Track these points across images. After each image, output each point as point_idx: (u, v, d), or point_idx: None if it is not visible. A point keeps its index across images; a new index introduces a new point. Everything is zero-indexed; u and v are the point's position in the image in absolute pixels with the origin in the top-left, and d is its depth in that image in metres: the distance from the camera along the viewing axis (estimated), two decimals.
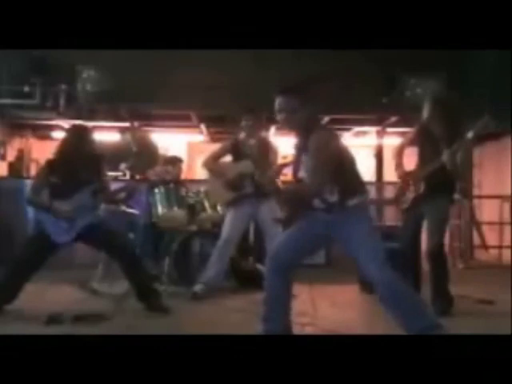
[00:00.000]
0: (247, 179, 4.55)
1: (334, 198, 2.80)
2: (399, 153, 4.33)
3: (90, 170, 3.96)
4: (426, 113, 4.15)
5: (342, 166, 2.79)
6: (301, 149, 2.91)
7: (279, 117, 2.88)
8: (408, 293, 2.81)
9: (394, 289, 2.75)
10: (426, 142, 4.15)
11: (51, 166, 3.93)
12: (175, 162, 5.67)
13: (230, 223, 4.59)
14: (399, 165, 4.31)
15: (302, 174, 2.90)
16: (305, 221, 2.92)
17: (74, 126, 4.28)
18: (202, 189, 5.34)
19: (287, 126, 2.91)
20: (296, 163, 2.97)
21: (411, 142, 4.33)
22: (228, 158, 4.80)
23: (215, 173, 4.70)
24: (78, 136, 3.98)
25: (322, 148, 2.72)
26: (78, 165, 3.90)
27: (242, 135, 4.67)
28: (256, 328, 3.21)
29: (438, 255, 4.05)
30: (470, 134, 3.86)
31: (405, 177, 4.25)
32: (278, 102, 2.84)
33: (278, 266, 2.95)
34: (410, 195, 4.19)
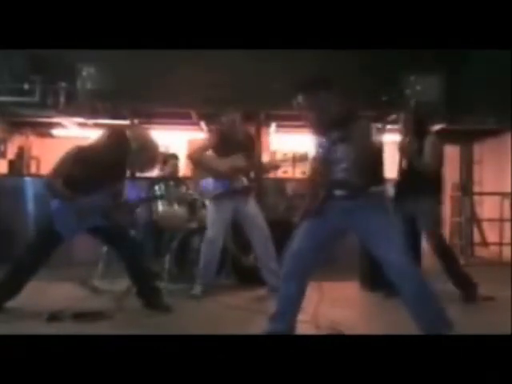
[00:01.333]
0: (239, 173, 4.53)
1: (360, 183, 2.78)
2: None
3: (115, 173, 3.93)
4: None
5: (374, 154, 2.82)
6: (336, 140, 2.83)
7: (309, 115, 2.84)
8: (426, 287, 2.80)
9: (414, 281, 2.75)
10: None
11: (78, 158, 3.85)
12: (170, 159, 5.65)
13: (214, 221, 4.54)
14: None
15: (342, 164, 2.81)
16: (323, 214, 2.87)
17: (117, 131, 4.15)
18: None
19: (320, 122, 2.86)
20: (327, 155, 2.89)
21: None
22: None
23: (203, 165, 4.61)
24: (118, 141, 3.93)
25: (366, 137, 2.75)
26: (106, 167, 3.84)
27: (225, 130, 4.62)
28: (256, 325, 3.22)
29: (442, 250, 4.38)
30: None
31: None
32: (304, 100, 2.80)
33: (298, 267, 2.92)
34: None
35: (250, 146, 4.66)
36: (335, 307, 4.21)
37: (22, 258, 3.93)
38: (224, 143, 4.56)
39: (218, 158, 4.60)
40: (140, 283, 4.00)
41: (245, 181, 4.53)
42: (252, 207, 4.62)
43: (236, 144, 4.55)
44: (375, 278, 5.12)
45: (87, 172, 3.82)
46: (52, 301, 4.15)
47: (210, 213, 4.61)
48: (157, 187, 5.36)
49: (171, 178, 5.53)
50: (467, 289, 4.36)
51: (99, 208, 3.86)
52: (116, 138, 3.98)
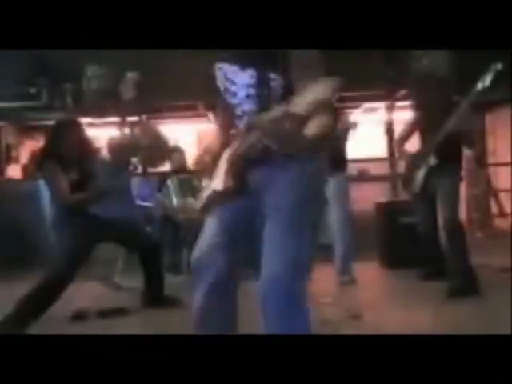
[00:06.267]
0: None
1: None
2: (402, 141, 4.34)
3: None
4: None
5: None
6: None
7: None
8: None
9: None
10: (427, 117, 4.12)
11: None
12: (173, 152, 5.52)
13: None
14: (403, 152, 4.33)
15: None
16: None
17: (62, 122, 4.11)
18: None
19: None
20: None
21: (413, 129, 4.32)
22: None
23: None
24: (68, 130, 3.88)
25: None
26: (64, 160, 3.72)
27: None
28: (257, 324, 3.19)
29: (453, 229, 3.82)
30: (479, 85, 3.88)
31: (411, 158, 4.20)
32: None
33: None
34: (419, 175, 4.06)
35: None
36: (357, 288, 4.20)
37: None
38: None
39: None
40: (153, 279, 3.94)
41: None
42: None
43: None
44: (394, 255, 5.08)
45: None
46: (75, 299, 4.13)
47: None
48: (169, 181, 5.37)
49: (182, 171, 5.52)
50: (462, 281, 3.74)
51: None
52: (58, 129, 3.91)
